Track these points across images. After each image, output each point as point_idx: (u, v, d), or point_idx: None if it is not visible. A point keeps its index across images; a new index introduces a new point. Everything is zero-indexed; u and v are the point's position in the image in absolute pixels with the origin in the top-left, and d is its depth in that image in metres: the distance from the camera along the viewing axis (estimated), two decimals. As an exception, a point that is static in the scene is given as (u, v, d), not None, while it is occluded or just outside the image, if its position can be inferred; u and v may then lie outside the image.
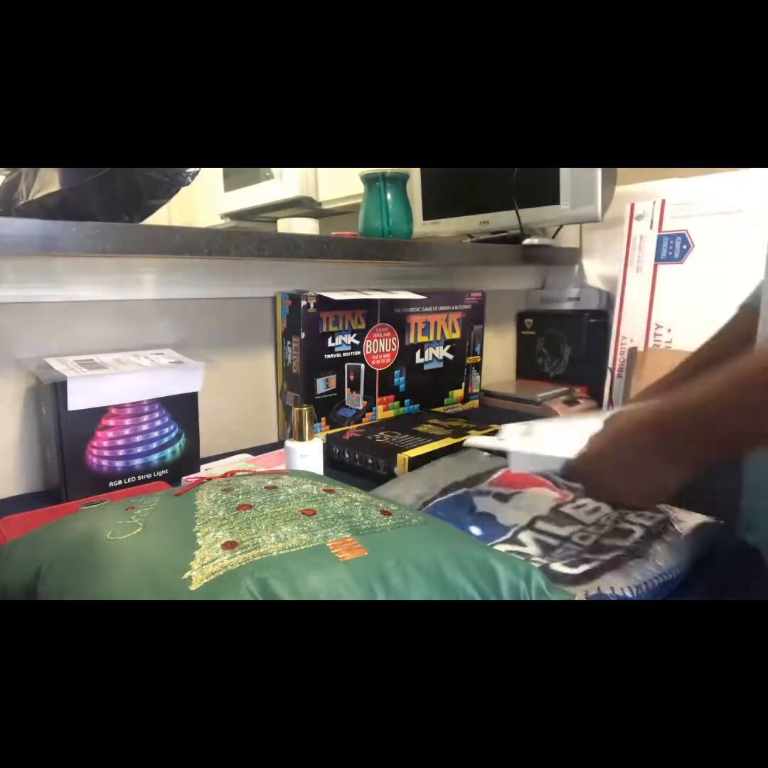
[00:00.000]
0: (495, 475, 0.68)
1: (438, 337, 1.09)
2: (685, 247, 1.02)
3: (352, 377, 0.97)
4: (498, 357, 1.33)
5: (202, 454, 0.81)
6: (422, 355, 1.07)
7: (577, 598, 0.45)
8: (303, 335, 0.90)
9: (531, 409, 1.13)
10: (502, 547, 0.54)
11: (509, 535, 0.57)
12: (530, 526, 0.58)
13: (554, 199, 1.09)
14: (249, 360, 0.95)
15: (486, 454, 0.75)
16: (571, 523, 0.59)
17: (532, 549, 0.55)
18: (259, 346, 0.96)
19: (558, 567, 0.50)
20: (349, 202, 1.55)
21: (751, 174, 0.99)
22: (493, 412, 1.13)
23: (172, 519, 0.43)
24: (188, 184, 0.72)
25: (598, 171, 1.04)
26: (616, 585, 0.47)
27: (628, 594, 0.46)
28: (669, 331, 1.05)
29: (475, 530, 0.57)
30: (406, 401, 1.06)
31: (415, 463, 0.74)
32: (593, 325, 1.20)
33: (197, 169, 0.72)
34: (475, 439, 0.69)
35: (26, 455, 0.75)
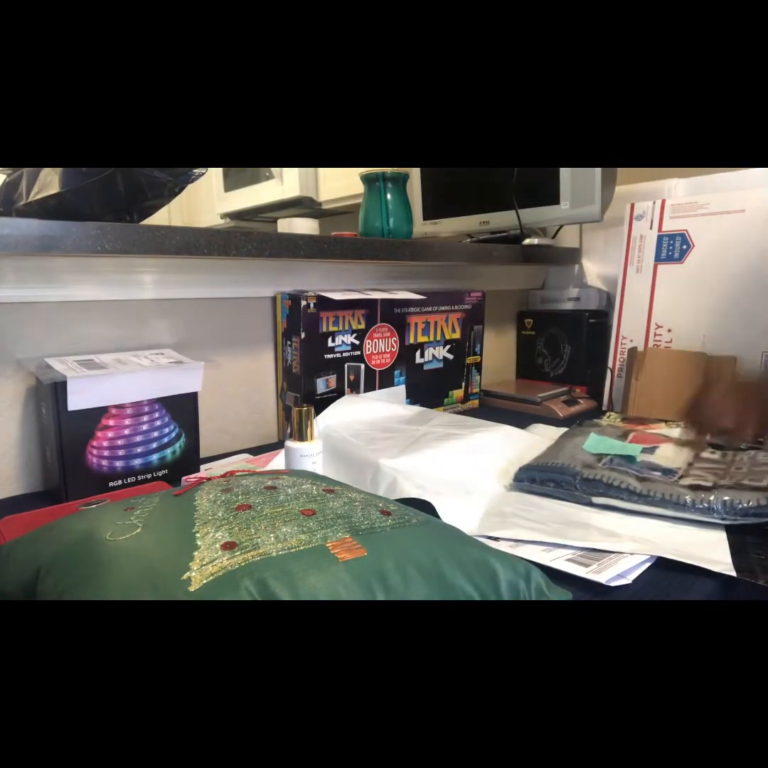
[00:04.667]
0: (628, 437, 0.77)
1: (438, 337, 1.09)
2: (685, 247, 1.02)
3: (352, 377, 0.97)
4: (498, 357, 1.33)
5: (202, 454, 0.81)
6: (422, 355, 1.07)
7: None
8: (303, 335, 0.90)
9: (531, 409, 1.12)
10: (687, 480, 0.62)
11: (680, 474, 0.65)
12: (691, 466, 0.67)
13: (554, 199, 1.09)
14: (249, 360, 0.95)
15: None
16: (718, 461, 0.67)
17: (711, 479, 0.62)
18: (259, 346, 0.96)
19: (747, 482, 0.59)
20: (349, 202, 1.56)
21: (752, 174, 0.99)
22: (493, 412, 1.13)
23: (171, 519, 0.43)
24: (192, 182, 0.72)
25: (598, 171, 1.04)
26: None
27: None
28: (669, 331, 1.05)
29: (657, 474, 0.64)
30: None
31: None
32: (593, 325, 1.20)
33: (203, 169, 0.71)
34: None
35: (26, 455, 0.75)
